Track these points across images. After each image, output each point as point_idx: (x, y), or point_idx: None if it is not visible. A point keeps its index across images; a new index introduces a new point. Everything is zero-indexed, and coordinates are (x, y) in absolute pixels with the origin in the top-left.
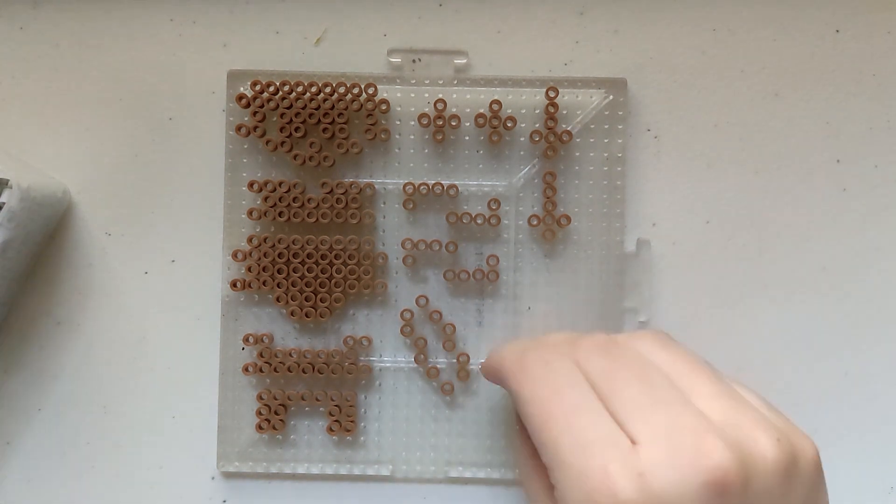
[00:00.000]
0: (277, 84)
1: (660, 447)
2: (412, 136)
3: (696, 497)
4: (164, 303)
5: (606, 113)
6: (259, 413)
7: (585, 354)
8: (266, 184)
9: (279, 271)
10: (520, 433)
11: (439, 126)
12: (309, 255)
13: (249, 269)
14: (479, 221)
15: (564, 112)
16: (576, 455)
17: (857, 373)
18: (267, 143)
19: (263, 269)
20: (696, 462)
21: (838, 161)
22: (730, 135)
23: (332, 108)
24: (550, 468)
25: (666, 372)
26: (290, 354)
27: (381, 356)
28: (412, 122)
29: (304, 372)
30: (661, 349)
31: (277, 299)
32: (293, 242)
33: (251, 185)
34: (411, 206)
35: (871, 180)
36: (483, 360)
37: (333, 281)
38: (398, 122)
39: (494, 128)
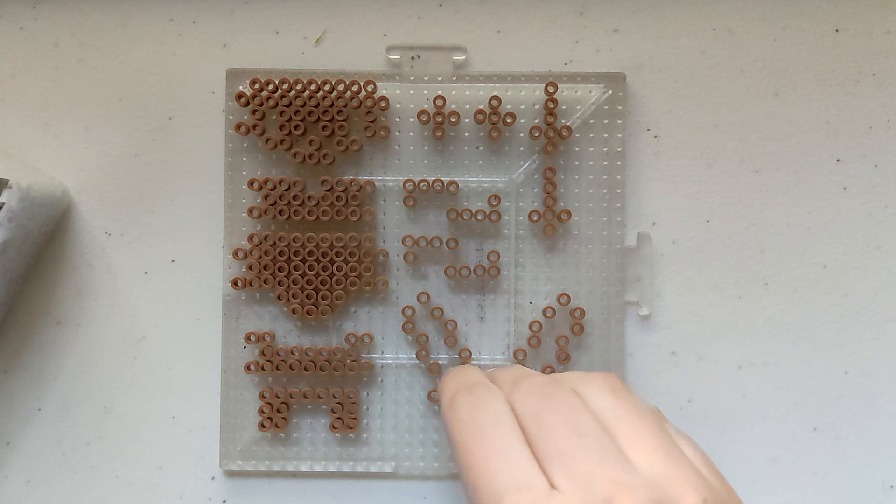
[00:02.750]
0: (276, 82)
1: (574, 495)
2: (412, 133)
3: None
4: (164, 303)
5: (606, 108)
6: (261, 411)
7: (522, 396)
8: (266, 182)
9: (280, 269)
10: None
11: (439, 123)
12: (310, 253)
13: (250, 268)
14: (479, 217)
15: (564, 107)
16: (490, 499)
17: (857, 371)
18: (267, 141)
19: (264, 268)
20: None
21: (838, 161)
22: (730, 135)
23: (332, 105)
24: None
25: (605, 419)
26: (292, 352)
27: (382, 353)
28: (412, 119)
29: (305, 370)
30: (608, 394)
31: (279, 297)
32: (294, 240)
33: (251, 183)
34: (411, 202)
35: (871, 180)
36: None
37: (334, 278)
38: (398, 119)
39: (494, 124)
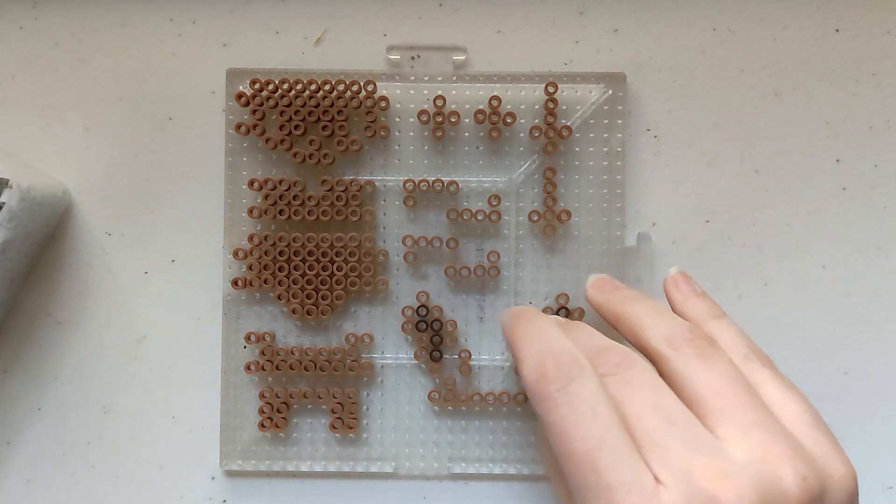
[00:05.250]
0: (277, 82)
1: (678, 492)
2: (412, 133)
3: None
4: (164, 303)
5: (606, 108)
6: (261, 411)
7: (604, 370)
8: (266, 182)
9: (280, 269)
10: (543, 439)
11: (439, 123)
12: (310, 253)
13: (250, 268)
14: (479, 217)
15: (564, 107)
16: (599, 499)
17: (857, 371)
18: (267, 141)
19: (264, 268)
20: None
21: (838, 161)
22: (730, 135)
23: (332, 105)
24: (576, 502)
25: (693, 393)
26: (292, 352)
27: (382, 353)
28: (412, 119)
29: (305, 370)
30: (694, 361)
31: (279, 297)
32: (294, 240)
33: (251, 183)
34: (412, 202)
35: (871, 180)
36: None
37: (334, 278)
38: (398, 119)
39: (494, 124)
